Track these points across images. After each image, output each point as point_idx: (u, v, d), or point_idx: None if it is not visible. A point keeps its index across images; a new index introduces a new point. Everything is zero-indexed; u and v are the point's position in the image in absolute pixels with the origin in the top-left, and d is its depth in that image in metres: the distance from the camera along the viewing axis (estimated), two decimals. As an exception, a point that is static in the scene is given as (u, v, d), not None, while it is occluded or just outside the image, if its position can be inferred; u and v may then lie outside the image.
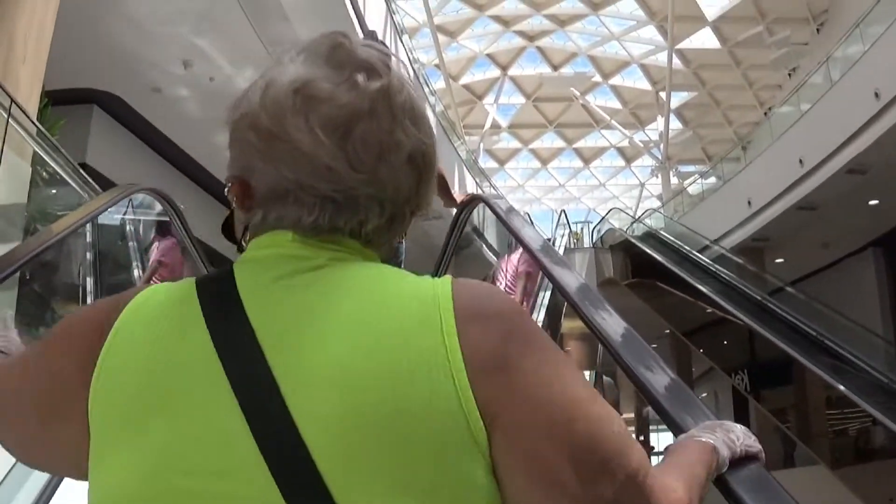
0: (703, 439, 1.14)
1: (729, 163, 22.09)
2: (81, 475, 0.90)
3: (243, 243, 0.98)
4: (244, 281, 0.90)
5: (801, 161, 14.64)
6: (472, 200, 5.71)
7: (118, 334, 0.88)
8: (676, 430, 1.39)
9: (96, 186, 6.99)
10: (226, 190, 0.97)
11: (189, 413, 0.81)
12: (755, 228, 16.94)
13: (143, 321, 0.89)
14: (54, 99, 11.86)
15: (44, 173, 6.53)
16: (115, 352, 0.87)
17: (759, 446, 1.21)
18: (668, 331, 21.43)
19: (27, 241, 3.58)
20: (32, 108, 6.41)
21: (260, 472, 0.77)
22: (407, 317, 0.82)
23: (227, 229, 1.04)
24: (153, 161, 14.23)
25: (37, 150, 6.21)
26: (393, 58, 0.96)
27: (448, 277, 0.88)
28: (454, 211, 18.99)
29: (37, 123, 6.24)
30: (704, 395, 24.87)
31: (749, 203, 16.96)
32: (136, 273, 7.71)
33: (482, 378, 0.80)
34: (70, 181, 6.77)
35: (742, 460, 1.19)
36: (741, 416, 17.46)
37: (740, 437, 1.19)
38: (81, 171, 7.12)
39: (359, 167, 0.89)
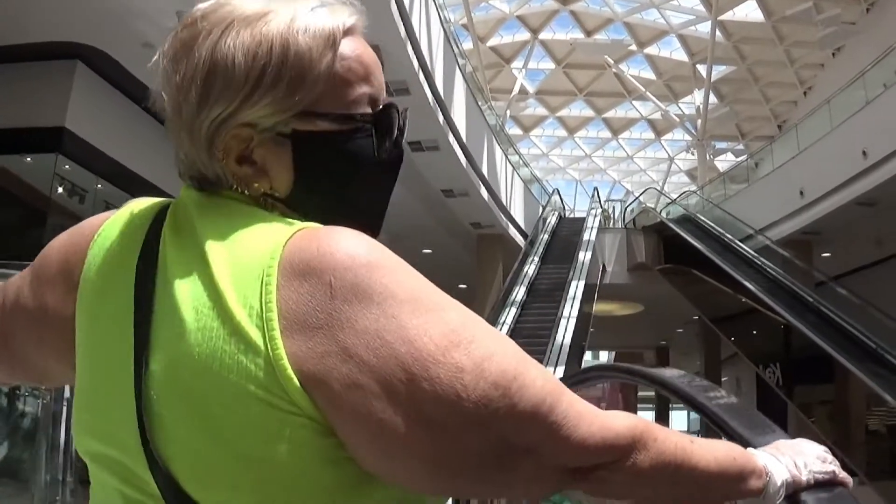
0: (757, 453, 1.00)
1: (761, 141, 21.25)
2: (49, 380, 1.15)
3: None
4: (165, 228, 0.91)
5: (864, 153, 13.70)
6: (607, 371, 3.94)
7: (93, 245, 0.94)
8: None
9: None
10: None
11: (104, 356, 0.87)
12: (807, 221, 16.12)
13: (108, 241, 0.93)
14: (31, 53, 10.79)
15: None
16: (88, 266, 0.93)
17: (836, 469, 1.03)
18: (696, 317, 20.93)
19: None
20: None
21: (133, 427, 0.81)
22: (242, 271, 0.80)
23: None
24: (145, 123, 12.38)
25: None
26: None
27: (303, 227, 0.84)
28: (482, 191, 17.85)
29: None
30: (725, 378, 24.37)
31: (801, 193, 16.04)
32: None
33: (300, 336, 0.77)
34: None
35: (824, 484, 1.01)
36: (768, 407, 16.72)
37: (808, 462, 1.01)
38: None
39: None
